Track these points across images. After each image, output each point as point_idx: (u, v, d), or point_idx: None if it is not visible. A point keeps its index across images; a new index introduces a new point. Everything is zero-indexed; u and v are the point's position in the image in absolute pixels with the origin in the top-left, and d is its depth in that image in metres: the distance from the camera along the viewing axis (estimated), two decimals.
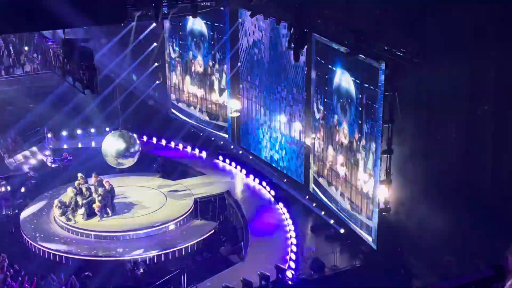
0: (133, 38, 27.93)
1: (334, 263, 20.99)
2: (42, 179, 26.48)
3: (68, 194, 22.94)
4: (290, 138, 25.12)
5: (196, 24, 28.63)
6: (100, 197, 22.62)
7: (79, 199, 22.72)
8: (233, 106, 27.94)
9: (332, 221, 22.81)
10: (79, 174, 23.35)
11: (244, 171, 27.06)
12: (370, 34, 18.57)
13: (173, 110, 31.37)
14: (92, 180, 23.26)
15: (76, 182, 23.15)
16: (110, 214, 22.89)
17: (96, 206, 22.65)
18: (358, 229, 21.29)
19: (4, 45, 32.44)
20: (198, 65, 29.32)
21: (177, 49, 30.19)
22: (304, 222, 23.81)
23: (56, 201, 23.11)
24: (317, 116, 23.23)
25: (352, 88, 20.76)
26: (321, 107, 22.89)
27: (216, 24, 27.72)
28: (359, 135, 20.65)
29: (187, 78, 30.08)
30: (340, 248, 21.71)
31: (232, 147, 28.57)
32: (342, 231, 22.11)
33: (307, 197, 24.43)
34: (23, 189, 25.58)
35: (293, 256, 20.99)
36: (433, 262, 18.50)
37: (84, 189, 22.90)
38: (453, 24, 16.51)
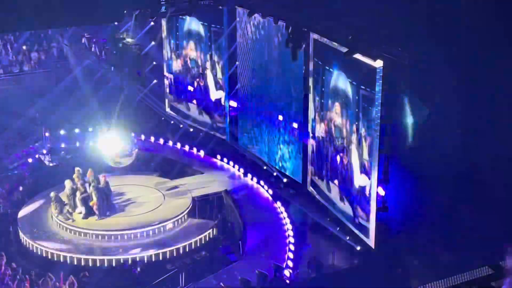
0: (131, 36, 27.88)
1: (332, 262, 21.01)
2: (40, 178, 26.46)
3: (66, 186, 22.95)
4: (288, 137, 25.11)
5: (193, 24, 28.60)
6: (95, 193, 22.59)
7: (77, 193, 22.73)
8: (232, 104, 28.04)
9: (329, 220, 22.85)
10: (77, 168, 23.39)
11: (242, 170, 27.08)
12: (368, 33, 18.58)
13: (170, 111, 31.34)
14: (88, 175, 23.28)
15: (74, 175, 23.21)
16: (108, 214, 22.89)
17: (93, 203, 22.66)
18: (355, 229, 21.30)
19: (2, 44, 32.42)
20: (196, 66, 29.29)
21: (174, 49, 30.17)
22: (303, 220, 23.85)
23: (52, 194, 23.04)
24: (315, 116, 23.22)
25: (349, 88, 20.76)
26: (318, 107, 22.90)
27: (213, 25, 27.70)
28: (357, 135, 20.65)
29: (185, 78, 30.07)
30: (338, 248, 21.73)
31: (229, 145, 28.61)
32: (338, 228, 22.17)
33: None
34: (21, 188, 25.58)
35: (291, 255, 21.01)
36: (431, 261, 18.53)
37: (80, 187, 22.91)
38: (452, 22, 16.53)
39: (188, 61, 29.58)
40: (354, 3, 19.47)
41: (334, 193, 22.49)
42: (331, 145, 22.41)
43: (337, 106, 21.66)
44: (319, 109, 22.87)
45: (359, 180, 20.80)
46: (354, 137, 20.83)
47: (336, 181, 22.30)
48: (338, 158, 22.02)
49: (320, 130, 23.00)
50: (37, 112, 29.60)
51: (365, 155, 20.26)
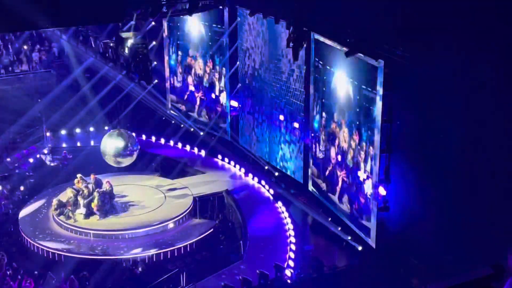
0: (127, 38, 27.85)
1: (333, 262, 21.00)
2: (41, 178, 26.48)
3: (67, 195, 22.97)
4: (289, 137, 25.11)
5: (194, 24, 28.61)
6: (98, 197, 22.63)
7: (79, 198, 22.74)
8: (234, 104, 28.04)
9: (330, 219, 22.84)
10: (79, 175, 23.38)
11: (243, 169, 27.09)
12: (369, 32, 18.55)
13: (171, 111, 31.35)
14: (90, 179, 23.31)
15: (75, 180, 23.21)
16: (109, 216, 22.91)
17: (94, 205, 22.67)
18: (357, 229, 21.29)
19: (3, 44, 32.42)
20: (197, 66, 29.30)
21: (175, 49, 30.17)
22: (303, 220, 23.85)
23: (54, 201, 23.11)
24: (316, 116, 23.21)
25: (350, 88, 20.75)
26: (319, 107, 22.88)
27: (214, 24, 27.70)
28: (358, 135, 20.64)
29: (187, 78, 30.08)
30: (339, 247, 21.73)
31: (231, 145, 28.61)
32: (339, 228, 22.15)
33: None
34: (22, 188, 25.61)
35: (292, 255, 21.01)
36: (432, 261, 18.50)
37: (84, 189, 22.91)
38: (453, 23, 16.50)
39: (189, 61, 29.59)
40: (355, 2, 19.44)
41: (336, 194, 22.47)
42: (333, 145, 22.39)
43: (338, 104, 21.62)
44: (320, 109, 22.86)
45: (360, 179, 20.80)
46: (355, 137, 20.81)
47: (337, 182, 22.30)
48: (339, 157, 21.99)
49: (322, 130, 22.98)
50: (38, 112, 29.60)
51: (366, 155, 20.25)
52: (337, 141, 22.02)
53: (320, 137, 23.11)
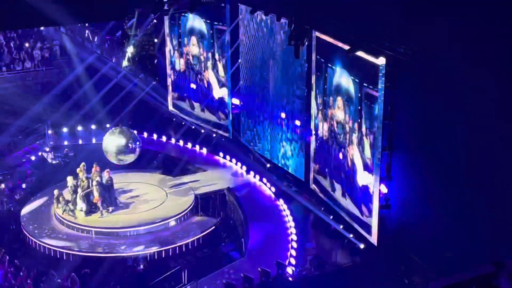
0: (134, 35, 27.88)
1: (335, 259, 21.01)
2: (43, 176, 26.50)
3: (68, 183, 22.99)
4: (291, 135, 25.11)
5: (196, 22, 28.59)
6: (97, 187, 22.61)
7: (79, 191, 22.75)
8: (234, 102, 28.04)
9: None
10: (82, 163, 23.43)
11: (244, 167, 27.09)
12: (371, 30, 18.55)
13: (172, 108, 31.34)
14: (92, 171, 23.34)
15: (78, 170, 23.26)
16: (111, 210, 22.96)
17: (96, 200, 22.70)
18: (358, 226, 21.28)
19: (4, 42, 32.46)
20: (198, 63, 29.28)
21: (176, 46, 30.16)
22: (305, 218, 23.86)
23: (56, 192, 23.10)
24: (317, 114, 23.21)
25: (351, 85, 20.74)
26: (320, 105, 22.88)
27: (215, 22, 27.68)
28: (359, 133, 20.62)
29: (188, 75, 30.07)
30: (341, 245, 21.73)
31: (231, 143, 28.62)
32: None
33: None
34: (24, 185, 25.64)
35: (294, 253, 21.02)
36: (434, 258, 18.50)
37: (84, 180, 22.93)
38: (454, 21, 16.48)
39: (191, 58, 29.57)
40: (356, 0, 19.43)
41: (337, 190, 22.46)
42: (334, 142, 22.39)
43: (339, 101, 21.62)
44: (322, 106, 22.85)
45: (362, 178, 20.78)
46: (356, 135, 20.81)
47: (339, 179, 22.28)
48: (340, 155, 22.00)
49: (323, 128, 22.98)
50: (40, 110, 29.65)
51: (368, 153, 20.25)
52: (338, 137, 21.98)
53: (321, 134, 23.11)
